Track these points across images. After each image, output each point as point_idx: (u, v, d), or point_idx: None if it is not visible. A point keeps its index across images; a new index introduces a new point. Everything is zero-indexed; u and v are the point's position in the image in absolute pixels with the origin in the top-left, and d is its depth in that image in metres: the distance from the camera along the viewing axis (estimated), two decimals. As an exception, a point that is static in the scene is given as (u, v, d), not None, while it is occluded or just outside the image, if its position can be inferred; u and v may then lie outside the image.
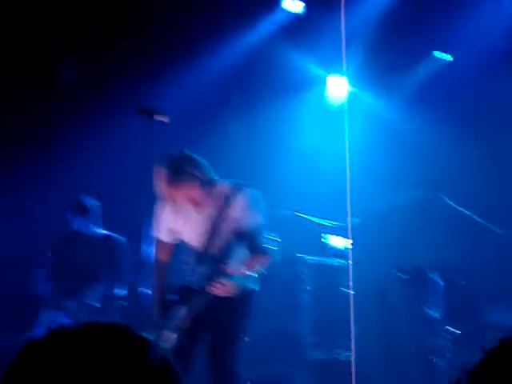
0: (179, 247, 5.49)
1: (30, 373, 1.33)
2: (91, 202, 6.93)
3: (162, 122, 5.19)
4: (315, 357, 7.02)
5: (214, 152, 8.31)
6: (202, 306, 5.18)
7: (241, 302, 5.27)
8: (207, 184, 5.20)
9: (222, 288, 5.06)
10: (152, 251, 5.41)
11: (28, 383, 1.32)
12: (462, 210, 6.82)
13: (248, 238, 5.08)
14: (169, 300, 5.30)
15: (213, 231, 5.25)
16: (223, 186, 5.28)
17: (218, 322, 5.25)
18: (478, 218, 6.92)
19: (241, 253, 5.06)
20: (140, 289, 5.35)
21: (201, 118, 8.37)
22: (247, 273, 5.11)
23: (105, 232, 7.01)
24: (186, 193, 5.16)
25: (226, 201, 5.21)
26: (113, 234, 6.99)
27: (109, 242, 6.93)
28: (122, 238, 6.96)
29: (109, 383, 1.30)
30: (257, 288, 5.36)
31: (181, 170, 5.12)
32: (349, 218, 6.00)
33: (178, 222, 5.37)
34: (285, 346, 7.02)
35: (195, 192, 5.16)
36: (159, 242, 5.45)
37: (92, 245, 6.93)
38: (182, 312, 5.21)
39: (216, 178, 5.29)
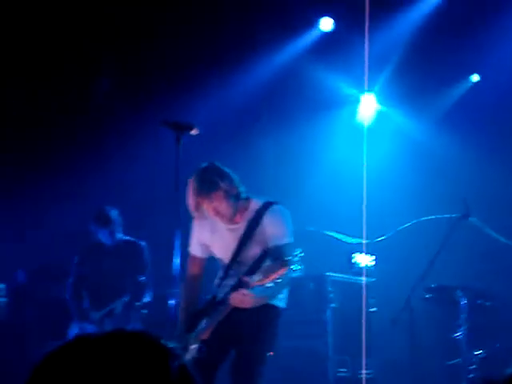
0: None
1: (52, 378, 1.35)
2: (113, 213, 6.98)
3: (192, 135, 5.23)
4: (339, 375, 7.01)
5: (243, 168, 8.40)
6: (221, 317, 5.20)
7: (266, 318, 5.27)
8: (235, 197, 5.22)
9: (240, 299, 5.07)
10: (179, 263, 5.45)
11: None
12: (490, 232, 6.80)
13: (275, 255, 5.11)
14: (195, 313, 5.34)
15: (241, 246, 5.28)
16: (253, 202, 5.30)
17: (244, 338, 5.24)
18: (505, 240, 6.89)
19: (265, 266, 5.09)
20: (169, 301, 5.38)
21: (232, 134, 8.45)
22: (266, 283, 5.11)
23: (127, 238, 7.07)
24: (211, 204, 5.18)
25: (257, 217, 5.23)
26: (135, 239, 7.06)
27: (132, 247, 7.00)
28: (143, 242, 7.03)
29: None
30: (283, 305, 5.38)
31: (207, 181, 5.16)
32: (364, 236, 6.00)
33: (209, 236, 5.42)
34: (309, 364, 7.02)
35: (221, 204, 5.18)
36: (191, 256, 5.52)
37: (117, 254, 7.00)
38: (203, 324, 5.25)
39: (245, 193, 5.32)
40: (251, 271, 5.07)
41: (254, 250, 5.22)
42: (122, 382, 1.32)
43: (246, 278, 5.04)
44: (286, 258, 5.12)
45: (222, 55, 8.34)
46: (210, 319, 5.25)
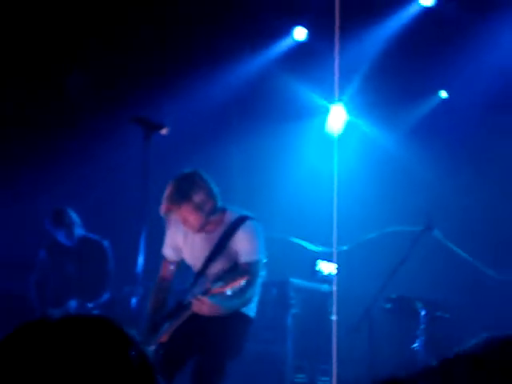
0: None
1: (8, 360, 1.33)
2: (69, 213, 6.92)
3: (161, 134, 5.24)
4: (297, 381, 7.04)
5: (212, 173, 8.42)
6: (180, 322, 5.21)
7: (233, 327, 5.28)
8: (208, 211, 5.21)
9: (199, 305, 5.08)
10: (143, 261, 5.46)
11: (6, 371, 1.32)
12: (453, 246, 6.89)
13: (243, 271, 5.13)
14: (160, 315, 5.34)
15: (212, 257, 5.29)
16: (228, 214, 5.31)
17: (204, 345, 5.25)
18: (467, 256, 6.98)
19: (227, 274, 5.11)
20: (132, 298, 5.38)
21: (201, 138, 8.46)
22: (226, 291, 5.11)
23: (90, 235, 7.03)
24: (180, 212, 5.20)
25: (230, 230, 5.25)
26: (97, 238, 7.03)
27: (93, 246, 6.97)
28: (105, 242, 7.00)
29: (87, 371, 1.30)
30: (253, 314, 5.39)
31: (180, 190, 5.17)
32: (334, 245, 6.05)
33: (182, 241, 5.43)
34: (268, 369, 7.04)
35: (189, 215, 5.18)
36: (164, 258, 5.54)
37: (77, 255, 6.97)
38: (165, 327, 5.26)
39: (221, 204, 5.31)
40: (216, 279, 5.09)
41: (223, 262, 5.24)
42: (80, 366, 1.30)
43: (208, 285, 5.07)
44: (246, 269, 5.14)
45: (195, 60, 8.37)
46: (170, 323, 5.26)
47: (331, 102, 8.44)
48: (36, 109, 8.17)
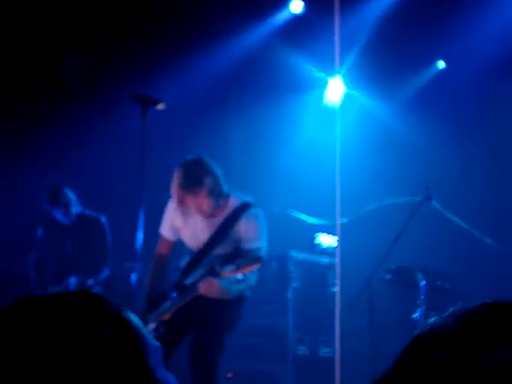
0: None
1: None
2: (65, 191, 6.92)
3: (158, 109, 5.24)
4: (299, 353, 7.08)
5: (211, 148, 8.43)
6: (184, 302, 5.25)
7: (231, 306, 5.35)
8: (216, 195, 5.28)
9: (207, 287, 5.13)
10: (142, 237, 5.47)
11: None
12: (451, 216, 6.90)
13: (246, 255, 5.18)
14: (159, 293, 5.38)
15: (214, 240, 5.34)
16: (232, 200, 5.37)
17: (205, 322, 5.31)
18: (465, 226, 6.99)
19: (238, 260, 5.16)
20: (131, 275, 5.41)
21: (200, 113, 8.45)
22: (237, 275, 5.18)
23: (87, 212, 7.04)
24: (194, 199, 5.24)
25: (233, 216, 5.31)
26: (95, 215, 7.03)
27: (91, 223, 6.99)
28: (103, 218, 7.02)
29: (59, 348, 1.28)
30: (248, 294, 5.45)
31: (192, 176, 5.21)
32: (338, 217, 6.06)
33: (181, 222, 5.47)
34: (269, 342, 7.08)
35: (203, 200, 5.24)
36: (161, 237, 5.58)
37: (76, 233, 6.98)
38: (166, 305, 5.29)
39: (227, 190, 5.37)
40: (224, 262, 5.13)
41: (225, 247, 5.29)
42: (53, 343, 1.28)
43: (218, 268, 5.11)
44: (256, 256, 5.20)
45: (189, 36, 8.33)
46: (173, 302, 5.30)
47: (329, 74, 8.42)
48: (33, 90, 8.15)
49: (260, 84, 8.57)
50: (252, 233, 5.28)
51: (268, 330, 7.11)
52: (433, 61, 8.56)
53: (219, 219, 5.33)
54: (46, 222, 7.07)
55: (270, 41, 8.45)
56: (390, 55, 8.27)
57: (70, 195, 6.91)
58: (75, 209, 6.95)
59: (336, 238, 7.31)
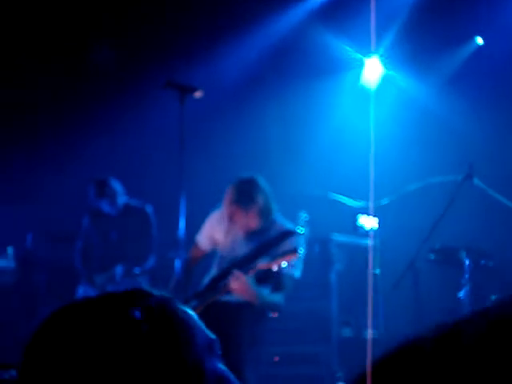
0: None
1: (45, 343, 1.34)
2: (111, 183, 6.95)
3: (195, 97, 5.25)
4: (343, 335, 7.08)
5: (248, 132, 8.44)
6: (212, 299, 5.27)
7: (256, 314, 5.35)
8: (266, 215, 5.33)
9: (238, 283, 5.12)
10: (184, 226, 5.49)
11: (45, 353, 1.32)
12: (494, 194, 6.83)
13: (274, 280, 5.21)
14: (188, 295, 5.40)
15: (250, 258, 5.36)
16: (277, 224, 5.41)
17: (231, 326, 5.27)
18: (509, 203, 6.91)
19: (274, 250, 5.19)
20: (175, 263, 5.42)
21: (236, 98, 8.45)
22: (273, 267, 5.17)
23: (133, 203, 7.07)
24: (244, 216, 5.28)
25: (276, 240, 5.34)
26: (141, 205, 7.07)
27: (137, 213, 7.03)
28: (149, 207, 7.05)
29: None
30: (270, 315, 5.46)
31: (246, 194, 5.26)
32: (371, 199, 6.03)
33: (221, 234, 5.51)
34: (314, 325, 7.08)
35: (252, 219, 5.29)
36: (196, 244, 5.64)
37: (122, 223, 7.02)
38: (192, 304, 5.29)
39: (275, 209, 5.42)
40: (260, 255, 5.18)
41: (260, 266, 5.29)
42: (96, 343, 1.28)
43: (251, 268, 5.13)
44: (294, 247, 5.22)
45: (226, 19, 8.32)
46: (201, 299, 5.32)
47: (366, 55, 8.36)
48: (65, 82, 8.20)
49: (297, 67, 8.53)
50: (289, 259, 5.26)
51: (312, 314, 7.10)
52: (471, 37, 8.45)
53: (259, 239, 5.38)
54: (91, 211, 7.13)
55: (306, 22, 8.40)
56: (427, 34, 8.18)
57: (116, 186, 6.95)
58: (121, 199, 7.00)
59: (377, 220, 7.29)
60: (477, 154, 7.39)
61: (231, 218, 5.35)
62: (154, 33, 8.29)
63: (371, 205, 6.50)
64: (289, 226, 5.48)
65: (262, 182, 5.38)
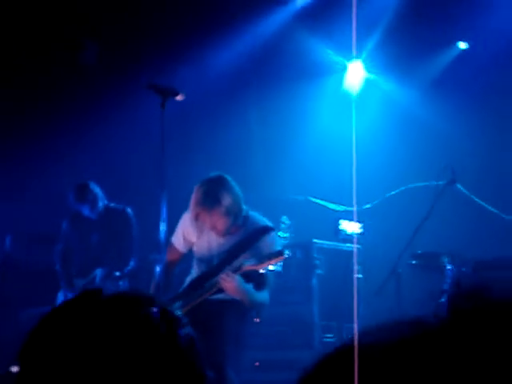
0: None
1: (49, 337, 1.32)
2: (91, 187, 6.89)
3: (177, 100, 5.20)
4: (326, 340, 7.04)
5: (229, 136, 8.40)
6: (200, 299, 5.22)
7: (241, 310, 5.30)
8: (234, 215, 5.25)
9: (228, 279, 5.09)
10: (165, 229, 5.44)
11: (48, 347, 1.31)
12: (477, 200, 6.82)
13: (257, 279, 5.17)
14: (172, 296, 5.36)
15: (226, 257, 5.32)
16: (251, 220, 5.35)
17: (216, 324, 5.24)
18: (491, 208, 6.91)
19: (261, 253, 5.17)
20: (156, 266, 5.36)
21: (218, 100, 8.41)
22: (259, 269, 5.14)
23: (112, 205, 7.02)
24: (209, 217, 5.22)
25: (252, 238, 5.29)
26: (121, 207, 7.02)
27: (117, 215, 6.97)
28: (129, 209, 6.99)
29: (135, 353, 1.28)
30: (253, 314, 5.44)
31: (211, 195, 5.18)
32: (354, 204, 6.01)
33: (195, 235, 5.46)
34: (296, 330, 7.05)
35: (218, 220, 5.22)
36: (172, 246, 5.58)
37: (102, 225, 6.96)
38: (177, 305, 5.24)
39: (245, 210, 5.35)
40: (248, 258, 5.14)
41: (237, 264, 5.25)
42: (126, 345, 1.28)
43: (239, 263, 5.09)
44: (279, 250, 5.18)
45: (209, 21, 8.29)
46: (186, 299, 5.27)
47: (349, 59, 8.35)
48: (50, 81, 8.14)
49: (279, 70, 8.51)
50: (271, 250, 5.25)
51: (293, 318, 7.07)
52: (454, 42, 8.45)
53: (236, 238, 5.32)
54: (71, 214, 7.06)
55: (289, 26, 8.39)
56: (410, 38, 8.18)
57: (96, 190, 6.89)
58: (101, 203, 6.94)
59: (359, 224, 7.27)
60: (460, 159, 7.38)
61: (197, 219, 5.29)
62: (139, 33, 8.24)
63: (354, 209, 6.48)
64: (264, 222, 5.41)
65: (229, 181, 5.29)
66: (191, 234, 5.47)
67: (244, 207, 5.34)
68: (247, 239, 5.30)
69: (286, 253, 5.17)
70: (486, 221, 7.05)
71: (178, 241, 5.54)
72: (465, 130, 8.13)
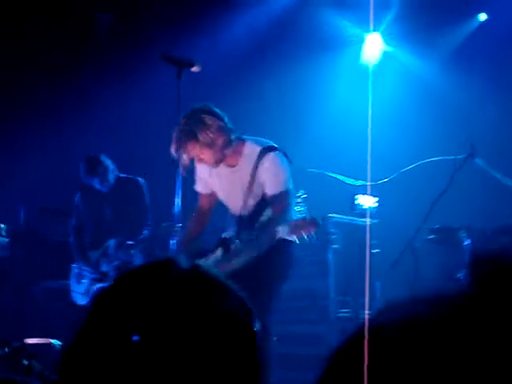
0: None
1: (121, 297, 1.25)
2: (102, 160, 6.82)
3: (193, 71, 5.12)
4: (341, 315, 7.01)
5: (246, 108, 8.32)
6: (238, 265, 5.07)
7: (278, 252, 5.13)
8: (220, 144, 5.07)
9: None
10: (180, 201, 5.36)
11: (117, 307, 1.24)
12: (496, 174, 6.73)
13: (276, 201, 5.01)
14: (197, 248, 5.29)
15: (247, 192, 5.20)
16: (249, 146, 5.18)
17: (251, 272, 5.02)
18: (510, 183, 6.82)
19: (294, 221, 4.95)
20: (170, 239, 5.29)
21: (234, 73, 8.34)
22: (292, 237, 4.93)
23: (123, 175, 6.96)
24: (190, 152, 5.07)
25: (254, 164, 5.12)
26: (132, 176, 6.96)
27: (129, 185, 6.92)
28: (141, 179, 6.94)
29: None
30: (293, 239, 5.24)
31: (186, 130, 5.01)
32: (369, 179, 5.93)
33: (208, 178, 5.36)
34: (310, 304, 7.02)
35: (200, 153, 5.07)
36: (200, 193, 5.49)
37: (114, 197, 6.91)
38: (211, 259, 5.14)
39: (237, 136, 5.17)
40: (257, 219, 5.04)
41: (254, 197, 5.16)
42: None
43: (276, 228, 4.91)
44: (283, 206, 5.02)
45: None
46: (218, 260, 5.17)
47: (366, 31, 8.24)
48: (64, 52, 8.09)
49: (296, 42, 8.41)
50: (275, 177, 5.07)
51: (309, 293, 7.03)
52: (474, 13, 8.32)
53: (241, 167, 5.15)
54: (82, 187, 7.02)
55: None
56: (429, 10, 8.05)
57: (107, 163, 6.83)
58: (112, 175, 6.89)
59: (375, 198, 7.20)
60: (480, 132, 7.28)
61: (176, 154, 5.04)
62: (154, 6, 8.16)
63: (369, 184, 6.41)
64: (262, 143, 5.20)
65: (209, 111, 5.09)
66: (203, 172, 5.36)
67: (232, 135, 5.12)
68: (250, 170, 5.12)
69: (319, 221, 4.93)
70: (505, 196, 6.96)
71: (198, 184, 5.45)
72: (484, 102, 8.02)
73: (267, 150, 5.15)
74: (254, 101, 8.27)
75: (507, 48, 7.85)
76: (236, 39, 8.33)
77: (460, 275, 6.11)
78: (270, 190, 5.07)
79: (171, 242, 5.17)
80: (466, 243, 6.22)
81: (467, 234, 6.28)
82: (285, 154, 5.25)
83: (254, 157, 5.14)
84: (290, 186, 5.16)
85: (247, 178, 5.16)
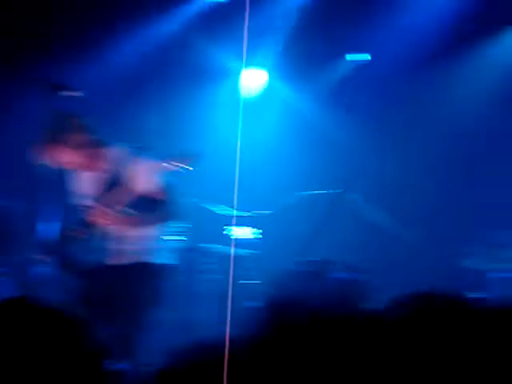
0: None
1: None
2: None
3: (73, 97, 5.07)
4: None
5: (127, 136, 8.26)
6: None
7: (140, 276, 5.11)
8: (86, 146, 5.06)
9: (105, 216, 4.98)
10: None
11: None
12: (367, 208, 6.89)
13: (143, 204, 5.01)
14: None
15: (107, 195, 5.10)
16: (113, 151, 5.14)
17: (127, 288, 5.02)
18: (384, 219, 7.00)
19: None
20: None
21: (115, 101, 8.31)
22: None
23: None
24: (57, 153, 5.01)
25: (119, 165, 5.07)
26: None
27: None
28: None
29: None
30: (169, 261, 5.22)
31: (56, 129, 4.98)
32: (235, 210, 5.96)
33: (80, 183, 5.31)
34: (184, 336, 6.98)
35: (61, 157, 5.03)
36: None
37: None
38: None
39: (99, 140, 5.13)
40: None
41: (120, 198, 5.06)
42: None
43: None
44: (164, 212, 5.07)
45: (108, 22, 8.17)
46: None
47: (245, 64, 8.34)
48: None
49: (176, 72, 8.45)
50: (144, 178, 5.04)
51: (183, 323, 7.00)
52: (354, 52, 8.52)
53: (104, 173, 5.12)
54: None
55: (187, 29, 8.33)
56: (309, 45, 8.21)
57: None
58: None
59: (250, 229, 7.26)
60: (356, 168, 7.45)
61: (49, 158, 4.98)
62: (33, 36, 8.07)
63: (234, 215, 6.44)
64: (127, 147, 5.19)
65: (62, 119, 5.05)
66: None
67: (98, 138, 5.12)
68: (115, 173, 5.07)
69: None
70: (374, 232, 7.13)
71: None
72: (361, 140, 8.20)
73: (130, 152, 5.13)
74: (133, 128, 8.24)
75: (387, 87, 8.08)
76: (118, 68, 8.31)
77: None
78: (138, 191, 5.03)
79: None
80: (335, 276, 6.31)
81: (338, 268, 6.36)
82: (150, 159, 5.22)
83: (116, 159, 5.10)
84: (157, 186, 5.12)
85: (110, 180, 5.11)
